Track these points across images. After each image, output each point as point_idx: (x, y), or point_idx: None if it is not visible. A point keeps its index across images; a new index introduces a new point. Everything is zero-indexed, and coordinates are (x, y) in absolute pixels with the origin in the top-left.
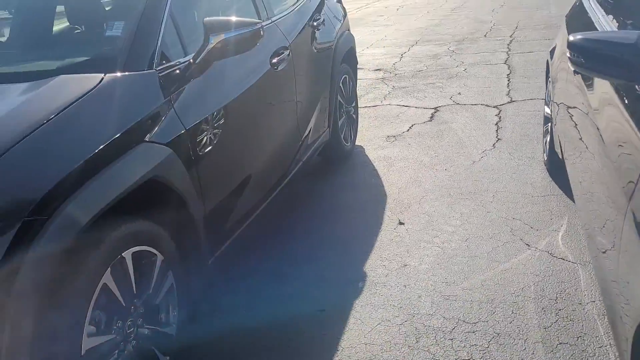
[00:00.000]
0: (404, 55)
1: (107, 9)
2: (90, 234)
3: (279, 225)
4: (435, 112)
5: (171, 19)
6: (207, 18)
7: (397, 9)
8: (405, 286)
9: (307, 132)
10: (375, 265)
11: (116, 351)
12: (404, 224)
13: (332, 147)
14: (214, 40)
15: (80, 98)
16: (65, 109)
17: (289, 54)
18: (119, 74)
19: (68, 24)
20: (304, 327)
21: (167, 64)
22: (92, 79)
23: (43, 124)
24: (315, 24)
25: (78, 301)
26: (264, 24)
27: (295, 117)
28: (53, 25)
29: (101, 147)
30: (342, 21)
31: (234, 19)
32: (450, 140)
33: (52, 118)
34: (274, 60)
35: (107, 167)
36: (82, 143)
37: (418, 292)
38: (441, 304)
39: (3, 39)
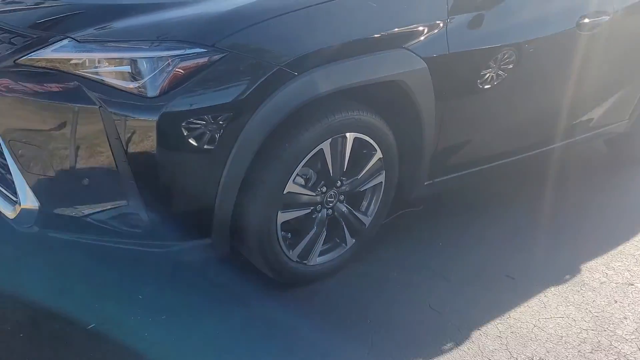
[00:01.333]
0: None
1: None
2: (325, 103)
3: (511, 190)
4: None
5: None
6: None
7: None
8: (616, 301)
9: (591, 112)
10: (595, 269)
11: (311, 208)
12: None
13: (627, 142)
14: None
15: None
16: None
17: (605, 21)
18: None
19: None
20: (481, 284)
21: None
22: None
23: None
24: None
25: (295, 151)
26: None
27: (581, 90)
28: None
29: (363, 37)
30: None
31: None
32: None
33: None
34: (583, 21)
35: (360, 55)
36: (352, 26)
37: (626, 314)
38: None
39: None
